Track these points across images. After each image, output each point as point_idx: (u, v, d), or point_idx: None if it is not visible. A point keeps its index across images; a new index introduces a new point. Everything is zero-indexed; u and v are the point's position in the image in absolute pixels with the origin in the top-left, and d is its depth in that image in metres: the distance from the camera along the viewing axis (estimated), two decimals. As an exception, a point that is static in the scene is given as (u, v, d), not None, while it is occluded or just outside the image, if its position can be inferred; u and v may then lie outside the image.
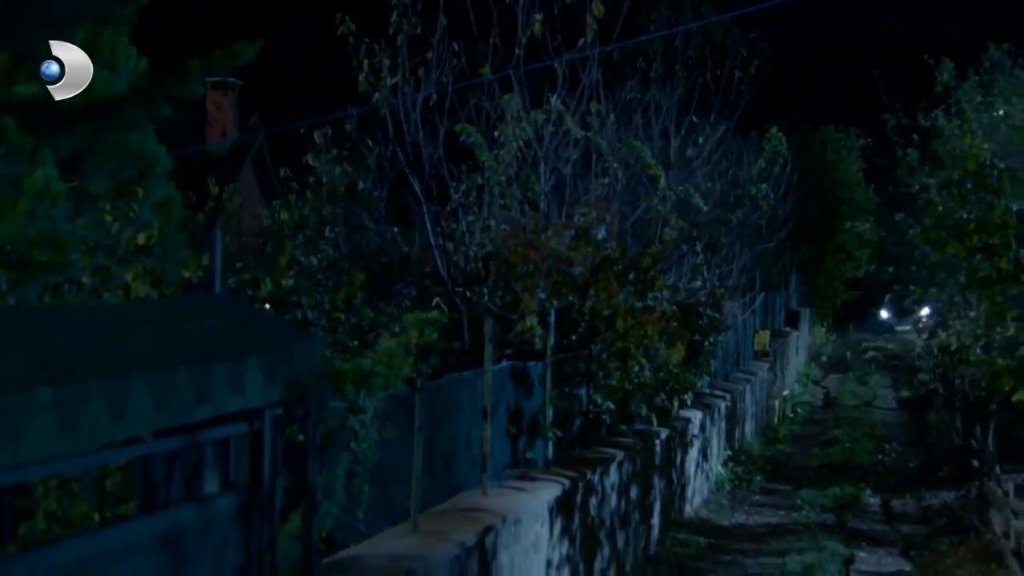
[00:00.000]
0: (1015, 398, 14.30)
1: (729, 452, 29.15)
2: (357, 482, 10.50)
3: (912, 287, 26.24)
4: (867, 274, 60.53)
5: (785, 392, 41.98)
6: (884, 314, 66.06)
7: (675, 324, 17.53)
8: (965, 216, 17.14)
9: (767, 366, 37.47)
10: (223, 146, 39.81)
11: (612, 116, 20.86)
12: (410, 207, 18.92)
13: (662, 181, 20.73)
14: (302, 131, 18.60)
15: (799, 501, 25.35)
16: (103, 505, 8.99)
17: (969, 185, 16.87)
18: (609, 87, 21.60)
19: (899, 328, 61.62)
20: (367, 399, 10.41)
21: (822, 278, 58.34)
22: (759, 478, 28.30)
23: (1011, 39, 22.38)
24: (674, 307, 17.51)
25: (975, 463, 24.58)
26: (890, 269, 49.70)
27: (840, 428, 36.48)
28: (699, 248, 23.50)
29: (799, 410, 41.34)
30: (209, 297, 8.02)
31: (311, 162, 19.57)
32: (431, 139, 18.22)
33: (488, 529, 12.54)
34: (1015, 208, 14.12)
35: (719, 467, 27.75)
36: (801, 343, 51.20)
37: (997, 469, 21.53)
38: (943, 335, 20.58)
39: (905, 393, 46.44)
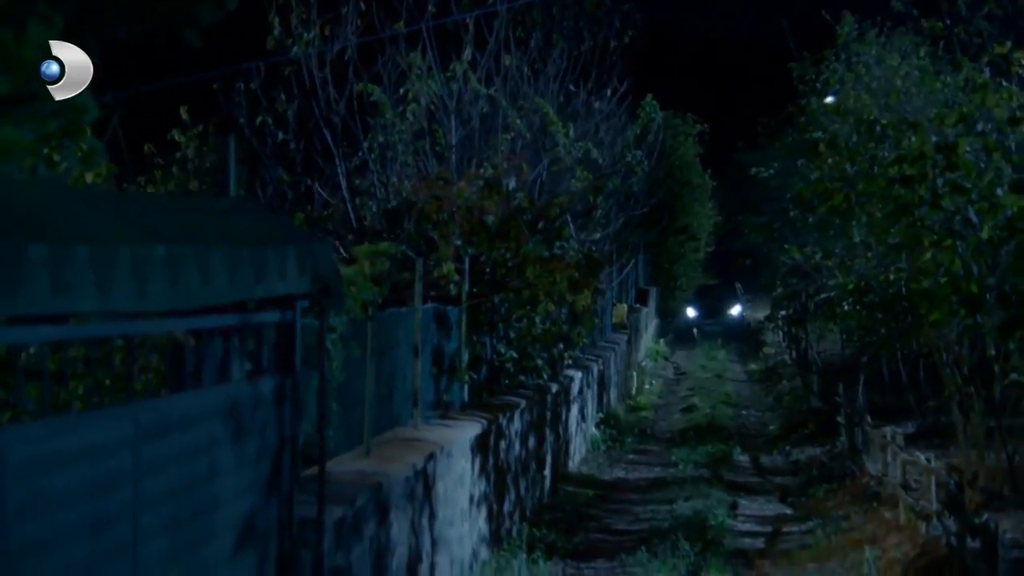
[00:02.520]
0: (931, 318, 15.13)
1: (601, 415, 29.95)
2: (327, 400, 10.85)
3: (788, 245, 27.21)
4: (711, 256, 62.14)
5: (641, 364, 43.02)
6: (691, 312, 67.09)
7: (576, 274, 18.11)
8: (850, 169, 18.06)
9: (625, 338, 38.33)
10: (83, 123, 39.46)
11: (525, 68, 21.40)
12: (316, 161, 19.22)
13: (570, 134, 21.32)
14: (213, 87, 18.73)
15: (673, 458, 26.21)
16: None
17: (855, 138, 17.78)
18: (519, 43, 22.14)
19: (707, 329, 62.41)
20: (336, 319, 10.79)
21: (666, 259, 59.63)
22: (630, 440, 29.17)
23: None
24: (579, 256, 18.11)
25: (840, 419, 25.63)
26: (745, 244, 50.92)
27: (697, 397, 37.58)
28: (585, 205, 24.08)
29: (654, 381, 42.38)
30: (233, 199, 8.40)
31: (176, 138, 19.66)
32: (340, 95, 18.55)
33: (431, 456, 13.07)
34: (933, 139, 14.95)
35: (593, 428, 28.51)
36: (650, 320, 52.38)
37: (868, 418, 22.55)
38: (839, 277, 21.49)
39: (753, 366, 47.93)
